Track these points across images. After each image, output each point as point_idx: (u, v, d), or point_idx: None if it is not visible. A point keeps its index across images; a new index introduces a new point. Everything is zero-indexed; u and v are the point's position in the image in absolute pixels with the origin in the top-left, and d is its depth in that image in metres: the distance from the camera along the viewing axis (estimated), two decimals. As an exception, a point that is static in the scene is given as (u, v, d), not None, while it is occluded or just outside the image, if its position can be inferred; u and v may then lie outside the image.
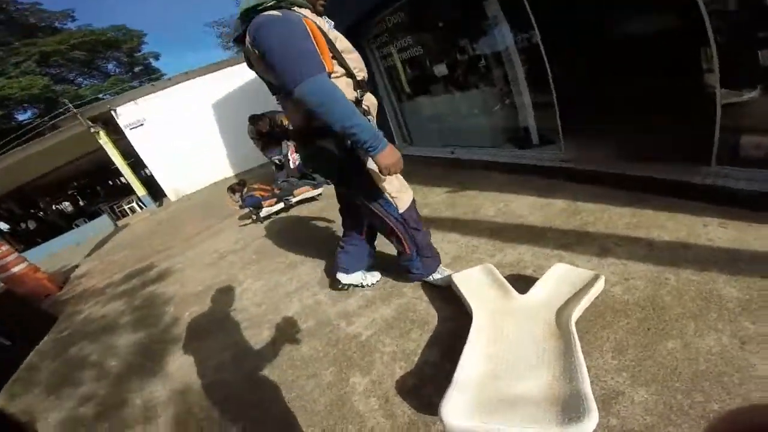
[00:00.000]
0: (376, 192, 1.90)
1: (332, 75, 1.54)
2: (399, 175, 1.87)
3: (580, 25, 2.60)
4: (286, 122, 5.49)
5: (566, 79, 2.93)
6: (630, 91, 2.49)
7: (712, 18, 1.91)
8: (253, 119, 5.68)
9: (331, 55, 1.53)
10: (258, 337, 2.49)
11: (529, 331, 1.63)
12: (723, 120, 2.07)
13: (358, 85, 1.68)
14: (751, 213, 1.95)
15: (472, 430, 1.21)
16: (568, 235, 2.37)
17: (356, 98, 1.67)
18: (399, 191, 1.95)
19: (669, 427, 1.23)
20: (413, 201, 2.04)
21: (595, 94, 2.75)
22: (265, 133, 5.85)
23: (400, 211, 1.97)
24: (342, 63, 1.61)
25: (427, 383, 1.73)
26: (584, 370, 1.31)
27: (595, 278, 1.77)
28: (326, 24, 1.59)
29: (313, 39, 1.43)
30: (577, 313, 1.63)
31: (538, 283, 1.88)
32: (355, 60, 1.67)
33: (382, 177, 1.82)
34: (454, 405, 1.28)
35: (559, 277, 1.87)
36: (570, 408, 1.18)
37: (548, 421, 1.17)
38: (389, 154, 1.56)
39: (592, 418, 1.12)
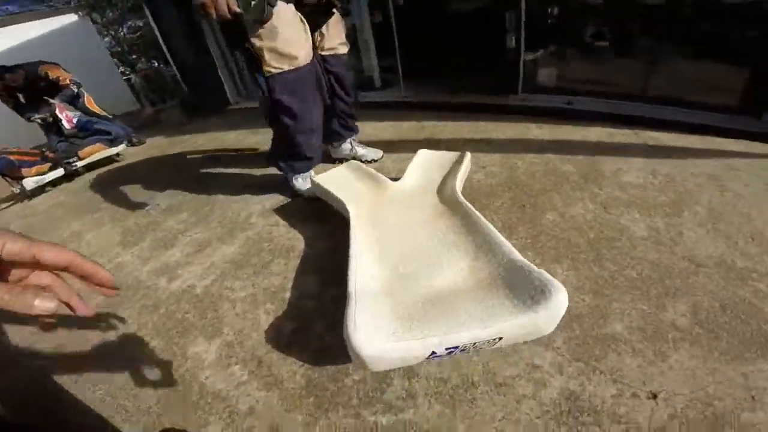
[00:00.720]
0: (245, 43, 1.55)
1: None
2: (283, 29, 1.53)
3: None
4: (53, 75, 4.26)
5: (407, 34, 3.67)
6: (458, 45, 3.59)
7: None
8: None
9: None
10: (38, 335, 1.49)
11: (419, 218, 1.35)
12: (524, 67, 3.11)
13: None
14: (551, 120, 2.64)
15: (404, 353, 0.81)
16: (420, 143, 2.54)
17: None
18: (272, 48, 1.54)
19: (614, 303, 1.11)
20: (297, 70, 1.61)
21: (430, 46, 3.66)
22: (15, 87, 4.20)
23: (267, 72, 1.59)
24: None
25: (313, 321, 1.23)
26: (503, 239, 1.04)
27: (462, 155, 1.71)
28: None
29: None
30: (459, 185, 1.44)
31: (408, 171, 1.64)
32: None
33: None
34: (365, 329, 0.85)
35: (426, 160, 1.75)
36: (522, 287, 0.90)
37: (505, 311, 0.86)
38: None
39: (560, 289, 0.86)
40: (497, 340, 0.83)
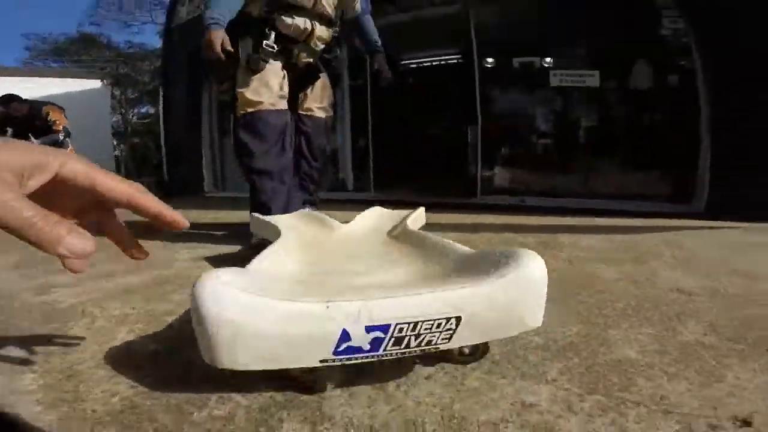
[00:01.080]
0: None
1: None
2: (261, 76, 1.72)
3: (400, 118, 4.26)
4: (53, 117, 4.27)
5: (381, 150, 4.23)
6: (423, 158, 4.25)
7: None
8: (9, 99, 4.15)
9: None
10: None
11: (364, 248, 1.03)
12: (481, 184, 3.64)
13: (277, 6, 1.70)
14: (507, 213, 2.85)
15: (288, 324, 0.45)
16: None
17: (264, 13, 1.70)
18: (243, 93, 1.74)
19: (610, 331, 0.86)
20: (259, 112, 1.73)
21: (400, 160, 4.23)
22: (15, 118, 4.10)
23: (238, 113, 1.75)
24: None
25: (184, 348, 0.78)
26: (464, 247, 0.77)
27: (415, 210, 1.43)
28: None
29: None
30: (411, 225, 1.16)
31: (357, 218, 1.36)
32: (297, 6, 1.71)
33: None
34: (220, 278, 0.49)
35: (378, 213, 1.48)
36: (484, 263, 0.60)
37: (462, 282, 0.54)
38: (208, 33, 1.59)
39: (533, 255, 0.58)
40: (453, 322, 0.49)
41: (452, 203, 3.19)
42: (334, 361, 0.47)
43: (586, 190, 3.23)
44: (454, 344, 0.52)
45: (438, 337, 0.50)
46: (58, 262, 0.30)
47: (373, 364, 0.67)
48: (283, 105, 1.79)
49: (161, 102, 5.91)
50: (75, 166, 0.33)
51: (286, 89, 1.79)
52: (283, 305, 0.44)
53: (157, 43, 9.82)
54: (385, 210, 1.59)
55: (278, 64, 1.76)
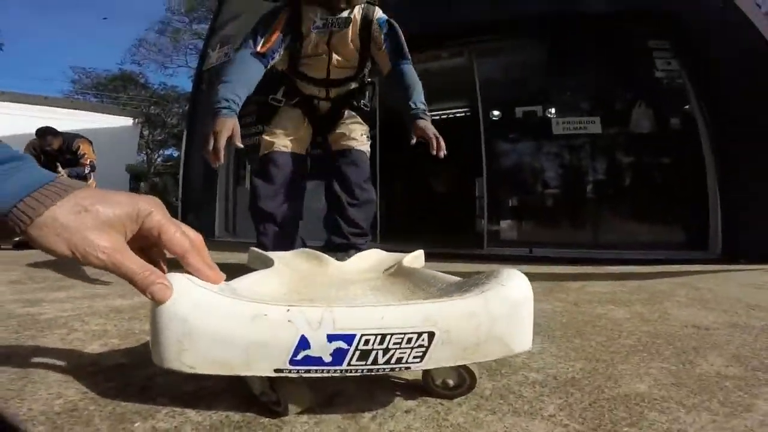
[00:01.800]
0: None
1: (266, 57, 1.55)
2: (278, 121, 1.76)
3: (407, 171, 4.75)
4: (83, 150, 4.40)
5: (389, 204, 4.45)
6: (431, 211, 4.84)
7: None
8: (45, 132, 4.33)
9: (277, 44, 1.56)
10: None
11: (355, 280, 0.98)
12: (488, 236, 3.62)
13: (297, 79, 1.72)
14: (513, 262, 2.72)
15: (240, 323, 0.43)
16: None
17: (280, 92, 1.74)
18: (262, 139, 1.76)
19: (619, 366, 0.78)
20: (271, 153, 1.71)
21: (409, 214, 4.71)
22: (48, 152, 4.27)
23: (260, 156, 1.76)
24: (294, 56, 1.67)
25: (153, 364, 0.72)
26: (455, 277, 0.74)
27: (415, 251, 1.36)
28: (318, 21, 1.59)
29: (272, 26, 1.55)
30: (407, 263, 1.11)
31: (354, 257, 1.31)
32: (309, 64, 1.69)
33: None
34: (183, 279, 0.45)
35: (377, 253, 1.39)
36: (466, 285, 0.57)
37: (440, 297, 0.50)
38: (217, 122, 1.40)
39: (516, 273, 0.55)
40: (426, 338, 0.44)
41: (458, 254, 3.13)
42: (290, 371, 0.41)
43: (596, 240, 3.17)
44: (427, 365, 0.47)
45: (409, 355, 0.45)
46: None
47: (348, 391, 0.61)
48: (298, 148, 1.72)
49: (184, 144, 5.88)
50: (155, 218, 0.40)
51: (303, 133, 1.74)
52: (238, 304, 0.41)
53: (189, 86, 10.35)
54: (384, 252, 1.54)
55: (297, 111, 1.74)
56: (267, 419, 0.51)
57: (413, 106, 1.53)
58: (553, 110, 3.31)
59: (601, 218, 3.23)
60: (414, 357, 0.45)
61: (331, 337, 0.42)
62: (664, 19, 2.94)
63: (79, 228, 0.35)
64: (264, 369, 0.42)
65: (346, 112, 1.77)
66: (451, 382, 0.60)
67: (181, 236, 0.42)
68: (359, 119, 1.78)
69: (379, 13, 1.64)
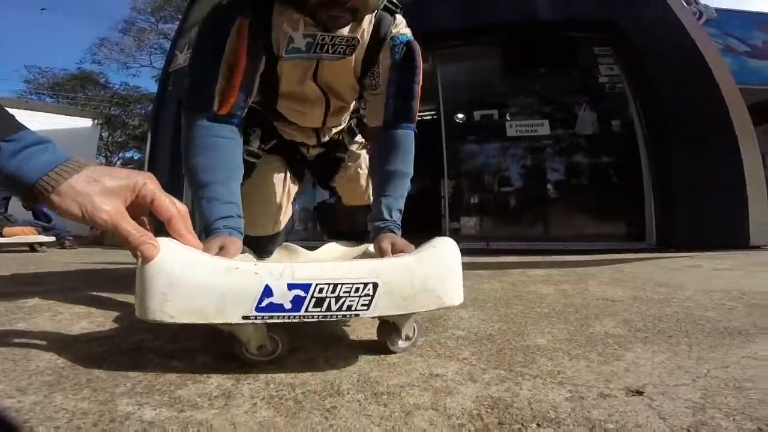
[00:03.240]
0: None
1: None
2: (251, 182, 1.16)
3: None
4: None
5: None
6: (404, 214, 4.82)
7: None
8: None
9: (243, 95, 0.92)
10: None
11: (323, 259, 1.13)
12: (450, 233, 3.57)
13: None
14: (470, 255, 2.88)
15: (213, 273, 0.56)
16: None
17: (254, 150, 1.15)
18: None
19: (529, 326, 0.96)
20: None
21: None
22: None
23: None
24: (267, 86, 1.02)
25: (142, 342, 0.83)
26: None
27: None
28: (298, 40, 0.93)
29: (228, 57, 0.89)
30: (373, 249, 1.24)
31: (322, 248, 1.40)
32: (291, 108, 1.12)
33: None
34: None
35: (344, 244, 1.51)
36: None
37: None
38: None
39: (447, 239, 0.72)
40: (371, 287, 0.59)
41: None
42: (256, 318, 0.54)
43: (546, 233, 3.44)
44: (373, 312, 0.59)
45: (357, 303, 0.57)
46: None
47: (307, 343, 0.76)
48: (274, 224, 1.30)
49: (148, 147, 5.58)
50: (149, 187, 0.50)
51: (278, 203, 1.29)
52: (215, 259, 0.55)
53: (153, 87, 9.92)
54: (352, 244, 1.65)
55: (276, 162, 1.25)
56: (237, 363, 0.66)
57: (385, 214, 0.98)
58: (507, 114, 3.56)
59: (550, 214, 3.52)
60: (362, 305, 0.58)
61: (290, 286, 0.55)
62: (606, 26, 3.22)
63: (89, 194, 0.45)
64: (234, 317, 0.53)
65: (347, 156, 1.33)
66: (401, 343, 0.74)
67: (170, 204, 0.52)
68: (358, 139, 1.35)
69: (399, 28, 1.00)
